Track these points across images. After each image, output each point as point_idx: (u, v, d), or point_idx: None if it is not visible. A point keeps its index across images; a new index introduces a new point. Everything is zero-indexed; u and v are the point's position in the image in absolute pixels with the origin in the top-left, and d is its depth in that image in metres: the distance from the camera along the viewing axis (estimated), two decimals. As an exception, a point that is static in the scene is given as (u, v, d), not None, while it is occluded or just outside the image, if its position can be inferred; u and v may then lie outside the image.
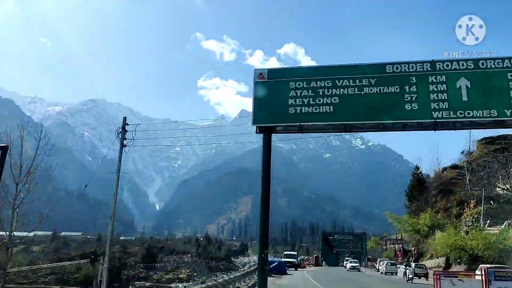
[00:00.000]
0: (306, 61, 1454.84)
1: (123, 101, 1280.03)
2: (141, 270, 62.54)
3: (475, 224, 40.48)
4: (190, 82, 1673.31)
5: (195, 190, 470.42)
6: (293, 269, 48.77)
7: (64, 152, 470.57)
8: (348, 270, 54.12)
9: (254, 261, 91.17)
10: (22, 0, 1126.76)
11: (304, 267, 69.56)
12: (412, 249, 60.22)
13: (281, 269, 36.90)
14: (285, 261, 48.93)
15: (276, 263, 37.22)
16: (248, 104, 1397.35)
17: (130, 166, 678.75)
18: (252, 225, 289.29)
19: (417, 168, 65.51)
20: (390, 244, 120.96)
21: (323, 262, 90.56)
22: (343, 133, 22.26)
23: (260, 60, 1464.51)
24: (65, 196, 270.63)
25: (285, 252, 65.16)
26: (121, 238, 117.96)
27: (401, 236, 63.56)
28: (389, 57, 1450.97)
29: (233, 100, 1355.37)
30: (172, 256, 78.66)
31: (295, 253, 65.78)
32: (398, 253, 63.22)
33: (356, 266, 57.37)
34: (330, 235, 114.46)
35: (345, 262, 70.34)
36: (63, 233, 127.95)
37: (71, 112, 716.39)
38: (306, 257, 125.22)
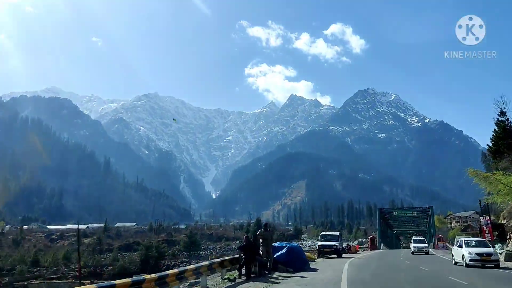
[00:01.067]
0: (355, 41, 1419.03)
1: (175, 94, 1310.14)
2: (184, 259, 60.05)
3: None
4: (237, 70, 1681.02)
5: (249, 177, 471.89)
6: (335, 256, 35.38)
7: (121, 147, 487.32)
8: (467, 263, 24.41)
9: (308, 246, 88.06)
10: (72, 2, 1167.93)
11: (355, 251, 53.38)
12: (504, 222, 42.35)
13: (293, 262, 20.89)
14: (322, 246, 36.19)
15: (284, 250, 21.23)
16: (297, 88, 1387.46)
17: (185, 157, 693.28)
18: (307, 210, 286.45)
19: (502, 113, 41.43)
20: (455, 222, 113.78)
21: (381, 245, 74.52)
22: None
23: (306, 43, 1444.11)
24: (123, 188, 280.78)
25: (322, 233, 44.54)
26: (173, 226, 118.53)
27: (488, 204, 39.43)
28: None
29: (282, 85, 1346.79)
30: (220, 243, 77.01)
31: (337, 233, 44.89)
32: (485, 228, 41.41)
33: (488, 253, 24.43)
34: (389, 212, 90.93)
35: (414, 245, 45.36)
36: (118, 224, 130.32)
37: (126, 108, 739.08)
38: (364, 239, 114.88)
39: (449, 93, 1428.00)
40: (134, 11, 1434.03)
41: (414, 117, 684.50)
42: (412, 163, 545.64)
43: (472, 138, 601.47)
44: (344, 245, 56.09)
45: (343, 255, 38.33)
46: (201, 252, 66.60)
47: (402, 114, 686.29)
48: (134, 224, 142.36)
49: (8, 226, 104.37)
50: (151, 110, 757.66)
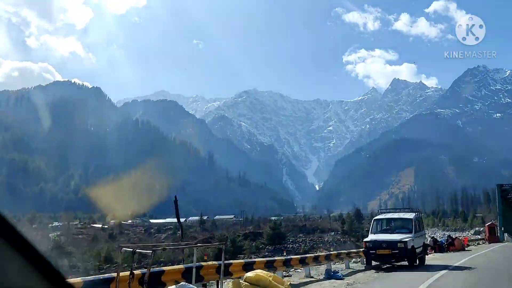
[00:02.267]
0: (460, 16, 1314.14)
1: (273, 88, 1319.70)
2: (267, 253, 57.06)
3: None
4: (335, 59, 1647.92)
5: (353, 167, 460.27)
6: (406, 263, 19.54)
7: (224, 143, 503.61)
8: None
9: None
10: (171, 7, 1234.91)
11: (461, 248, 34.66)
12: None
13: None
14: (373, 243, 19.36)
15: None
16: (399, 72, 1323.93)
17: (286, 150, 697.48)
18: (417, 198, 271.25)
19: None
20: None
21: (505, 235, 53.40)
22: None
23: (406, 23, 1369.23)
24: (227, 183, 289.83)
25: (376, 217, 23.40)
26: (272, 218, 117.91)
27: None
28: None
29: (383, 70, 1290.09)
30: (313, 235, 73.55)
31: (410, 215, 21.58)
32: None
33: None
34: None
35: None
36: (217, 217, 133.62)
37: (228, 106, 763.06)
38: (482, 228, 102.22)
39: None
40: (230, 10, 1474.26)
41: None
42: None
43: None
44: (442, 238, 42.89)
45: (437, 256, 23.19)
46: (288, 246, 63.86)
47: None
48: (232, 216, 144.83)
49: (113, 221, 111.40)
50: (251, 105, 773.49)
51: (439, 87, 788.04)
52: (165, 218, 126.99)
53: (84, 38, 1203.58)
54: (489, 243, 48.21)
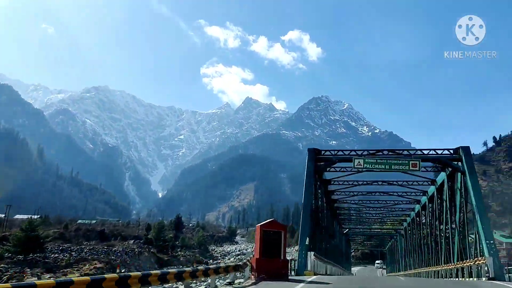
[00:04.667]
0: (311, 49, 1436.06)
1: (127, 89, 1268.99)
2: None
3: None
4: (193, 69, 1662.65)
5: (198, 177, 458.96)
6: None
7: (63, 138, 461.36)
8: None
9: (239, 250, 78.20)
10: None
11: None
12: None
13: None
14: None
15: None
16: (252, 92, 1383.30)
17: (133, 154, 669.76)
18: (254, 213, 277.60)
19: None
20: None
21: (311, 258, 24.65)
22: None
23: (264, 47, 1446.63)
24: (54, 181, 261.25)
25: None
26: (79, 221, 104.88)
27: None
28: (390, 55, 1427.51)
29: (237, 88, 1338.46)
30: (106, 242, 64.34)
31: None
32: None
33: None
34: (339, 159, 31.80)
35: None
36: (17, 216, 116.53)
37: (73, 100, 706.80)
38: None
39: (399, 106, 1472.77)
40: (90, 0, 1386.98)
41: (365, 126, 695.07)
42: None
43: (419, 151, 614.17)
44: None
45: None
46: (49, 255, 50.63)
47: (353, 123, 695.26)
48: (38, 216, 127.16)
49: None
50: (100, 103, 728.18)
51: (287, 110, 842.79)
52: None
53: None
54: (258, 277, 16.25)
